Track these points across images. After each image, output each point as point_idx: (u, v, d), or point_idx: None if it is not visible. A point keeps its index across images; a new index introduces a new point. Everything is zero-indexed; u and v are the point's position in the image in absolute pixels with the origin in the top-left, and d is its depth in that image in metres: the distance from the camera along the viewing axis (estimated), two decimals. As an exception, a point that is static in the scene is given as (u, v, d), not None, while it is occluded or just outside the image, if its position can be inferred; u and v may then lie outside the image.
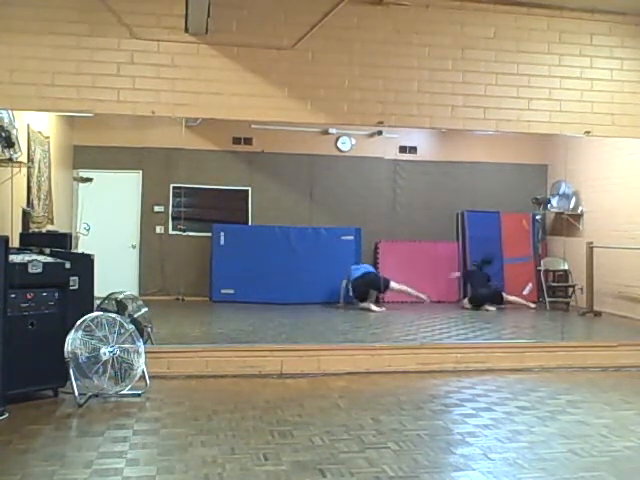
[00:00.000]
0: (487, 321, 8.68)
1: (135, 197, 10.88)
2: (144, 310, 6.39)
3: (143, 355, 5.27)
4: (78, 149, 10.64)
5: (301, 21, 6.55)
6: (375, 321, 8.76)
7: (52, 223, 8.86)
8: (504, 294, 10.34)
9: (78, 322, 5.05)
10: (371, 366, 6.35)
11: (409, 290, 9.96)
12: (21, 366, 4.79)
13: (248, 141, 11.07)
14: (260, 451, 3.93)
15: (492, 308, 9.97)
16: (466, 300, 10.31)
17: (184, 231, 10.82)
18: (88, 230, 9.30)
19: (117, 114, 7.39)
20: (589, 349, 6.97)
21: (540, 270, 10.92)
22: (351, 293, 9.55)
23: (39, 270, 5.06)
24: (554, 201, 11.01)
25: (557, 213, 11.22)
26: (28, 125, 7.66)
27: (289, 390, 5.63)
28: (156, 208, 10.92)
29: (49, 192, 8.79)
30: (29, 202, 7.76)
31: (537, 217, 11.56)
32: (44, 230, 8.12)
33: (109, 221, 10.43)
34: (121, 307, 6.17)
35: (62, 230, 8.31)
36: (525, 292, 11.05)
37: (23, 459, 3.82)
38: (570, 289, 10.69)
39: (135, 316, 6.19)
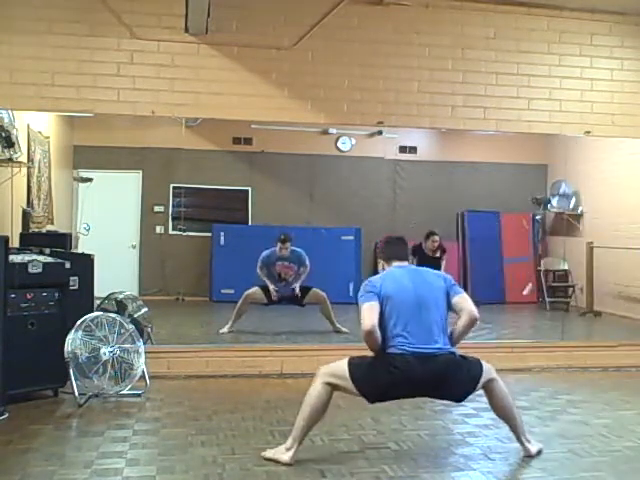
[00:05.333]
0: (487, 321, 8.67)
1: (135, 197, 10.88)
2: (144, 310, 6.39)
3: (143, 355, 5.26)
4: (78, 149, 10.63)
5: (301, 21, 6.54)
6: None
7: (52, 223, 8.86)
8: None
9: (78, 322, 5.04)
10: (371, 366, 6.33)
11: None
12: (21, 366, 4.77)
13: (248, 141, 11.06)
14: (260, 451, 3.92)
15: None
16: None
17: (184, 231, 10.82)
18: (88, 230, 9.30)
19: (117, 114, 7.38)
20: (589, 349, 6.97)
21: (540, 270, 10.92)
22: None
23: (39, 270, 5.06)
24: (554, 201, 11.01)
25: (557, 213, 11.21)
26: (28, 125, 7.66)
27: (289, 390, 5.62)
28: (156, 208, 10.91)
29: (49, 192, 8.79)
30: (29, 202, 7.76)
31: (537, 217, 11.56)
32: (44, 230, 8.12)
33: (109, 221, 10.42)
34: (121, 307, 6.17)
35: (62, 230, 8.32)
36: (525, 292, 11.05)
37: (23, 459, 3.82)
38: (570, 289, 10.69)
39: (135, 316, 6.19)
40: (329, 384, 3.79)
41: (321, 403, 3.77)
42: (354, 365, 3.80)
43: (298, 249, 7.94)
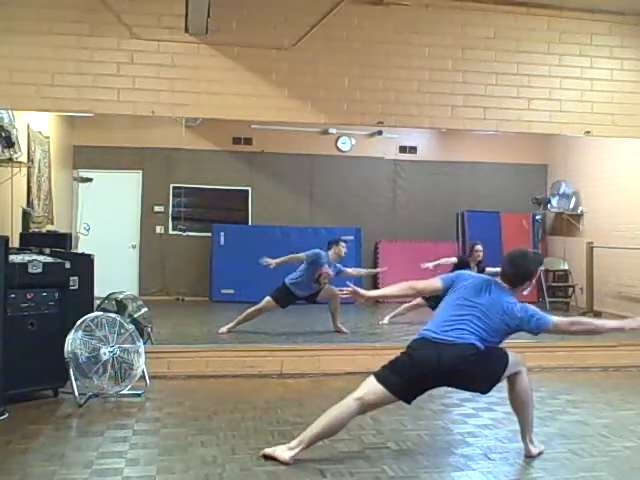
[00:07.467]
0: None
1: (135, 197, 10.88)
2: (144, 310, 6.39)
3: (143, 355, 5.26)
4: (78, 149, 10.64)
5: (301, 21, 6.55)
6: (375, 321, 8.75)
7: (52, 223, 8.86)
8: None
9: (78, 322, 5.04)
10: (371, 366, 6.26)
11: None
12: (21, 366, 4.77)
13: (248, 141, 11.07)
14: (260, 451, 3.92)
15: None
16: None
17: (184, 231, 10.82)
18: (88, 230, 9.31)
19: (117, 114, 7.39)
20: (589, 349, 6.96)
21: (540, 270, 10.90)
22: None
23: (39, 270, 5.05)
24: (554, 201, 11.01)
25: (557, 213, 11.22)
26: (28, 125, 7.66)
27: (289, 390, 5.62)
28: (156, 208, 10.93)
29: (49, 192, 8.79)
30: (29, 202, 7.77)
31: (537, 217, 11.56)
32: (44, 230, 8.13)
33: (109, 221, 10.42)
34: (121, 307, 6.17)
35: (62, 230, 8.32)
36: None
37: (23, 459, 3.82)
38: (570, 289, 10.69)
39: (135, 316, 6.19)
40: (359, 399, 3.77)
41: (342, 417, 3.76)
42: (378, 370, 3.89)
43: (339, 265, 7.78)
